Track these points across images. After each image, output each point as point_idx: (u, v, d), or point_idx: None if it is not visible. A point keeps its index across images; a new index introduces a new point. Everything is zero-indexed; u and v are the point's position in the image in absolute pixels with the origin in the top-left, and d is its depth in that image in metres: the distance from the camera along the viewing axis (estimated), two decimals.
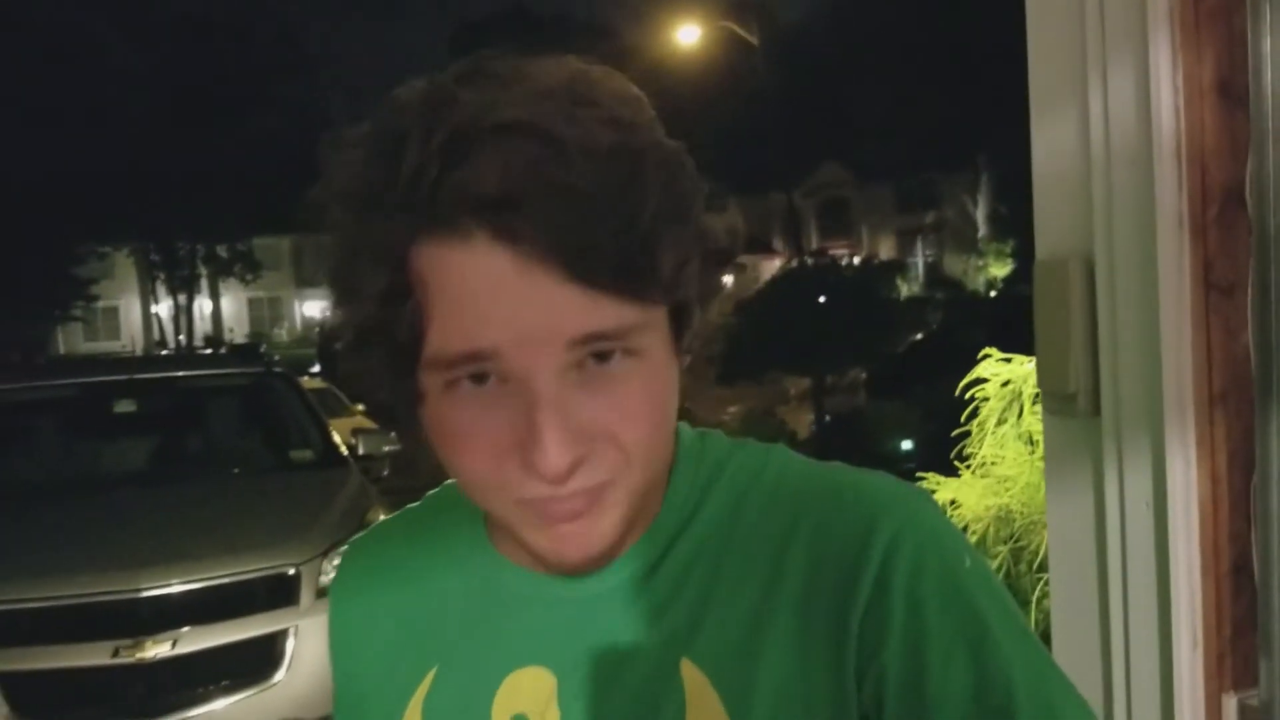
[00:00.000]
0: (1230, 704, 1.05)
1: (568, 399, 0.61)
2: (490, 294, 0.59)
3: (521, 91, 0.60)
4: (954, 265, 30.99)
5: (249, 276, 36.22)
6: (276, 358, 6.27)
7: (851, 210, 39.15)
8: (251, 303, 41.68)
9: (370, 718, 0.78)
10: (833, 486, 0.70)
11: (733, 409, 13.66)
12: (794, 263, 17.78)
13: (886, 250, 36.56)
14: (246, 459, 5.17)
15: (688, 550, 0.71)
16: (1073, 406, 1.12)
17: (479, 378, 0.62)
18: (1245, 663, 1.05)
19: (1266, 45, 0.98)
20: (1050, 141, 1.13)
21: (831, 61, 30.95)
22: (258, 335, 34.55)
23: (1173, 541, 1.04)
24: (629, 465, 0.64)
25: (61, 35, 25.86)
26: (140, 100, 27.39)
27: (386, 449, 5.24)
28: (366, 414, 9.36)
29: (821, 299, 13.72)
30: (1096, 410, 1.10)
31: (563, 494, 0.62)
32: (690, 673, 0.67)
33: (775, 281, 16.72)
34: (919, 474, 2.15)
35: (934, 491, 2.06)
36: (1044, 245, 1.15)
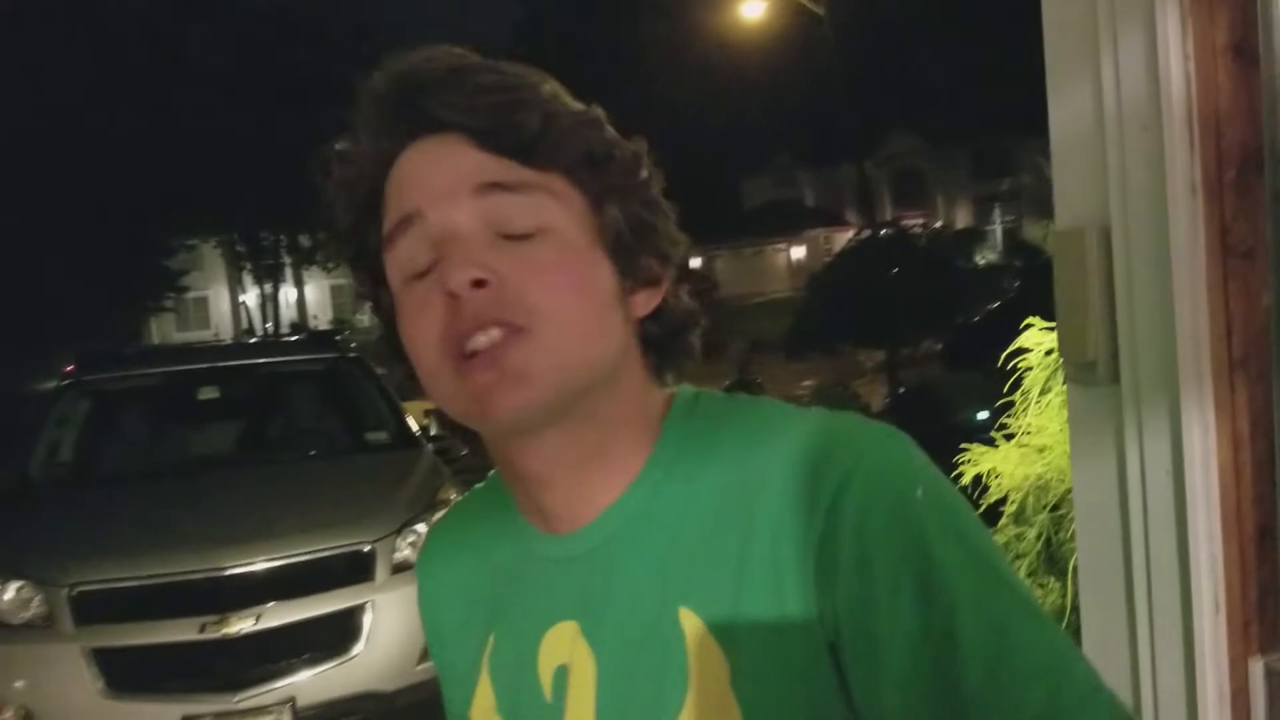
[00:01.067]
0: (1257, 668, 1.06)
1: (482, 252, 0.71)
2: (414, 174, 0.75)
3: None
4: (1032, 231, 30.35)
5: (330, 265, 37.01)
6: (354, 344, 6.41)
7: (925, 178, 38.54)
8: (334, 289, 42.53)
9: (457, 680, 0.86)
10: (801, 431, 0.73)
11: (806, 382, 13.60)
12: (864, 233, 17.53)
13: (962, 218, 35.94)
14: (324, 441, 5.33)
15: (679, 499, 0.75)
16: (1093, 374, 1.13)
17: (421, 275, 0.72)
18: (1273, 627, 1.05)
19: (1278, 6, 0.98)
20: (1066, 112, 1.13)
21: (899, 27, 30.41)
22: (341, 321, 35.25)
23: (1191, 507, 1.04)
24: (542, 313, 0.70)
25: (147, 33, 26.56)
26: (223, 95, 28.04)
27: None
28: None
29: (894, 269, 13.54)
30: (1116, 378, 1.10)
31: (469, 321, 0.70)
32: (689, 620, 0.72)
33: (845, 253, 16.53)
34: (964, 444, 2.16)
35: (973, 462, 2.06)
36: (1063, 215, 1.16)
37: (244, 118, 28.14)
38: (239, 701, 3.63)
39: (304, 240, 35.64)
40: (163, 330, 37.65)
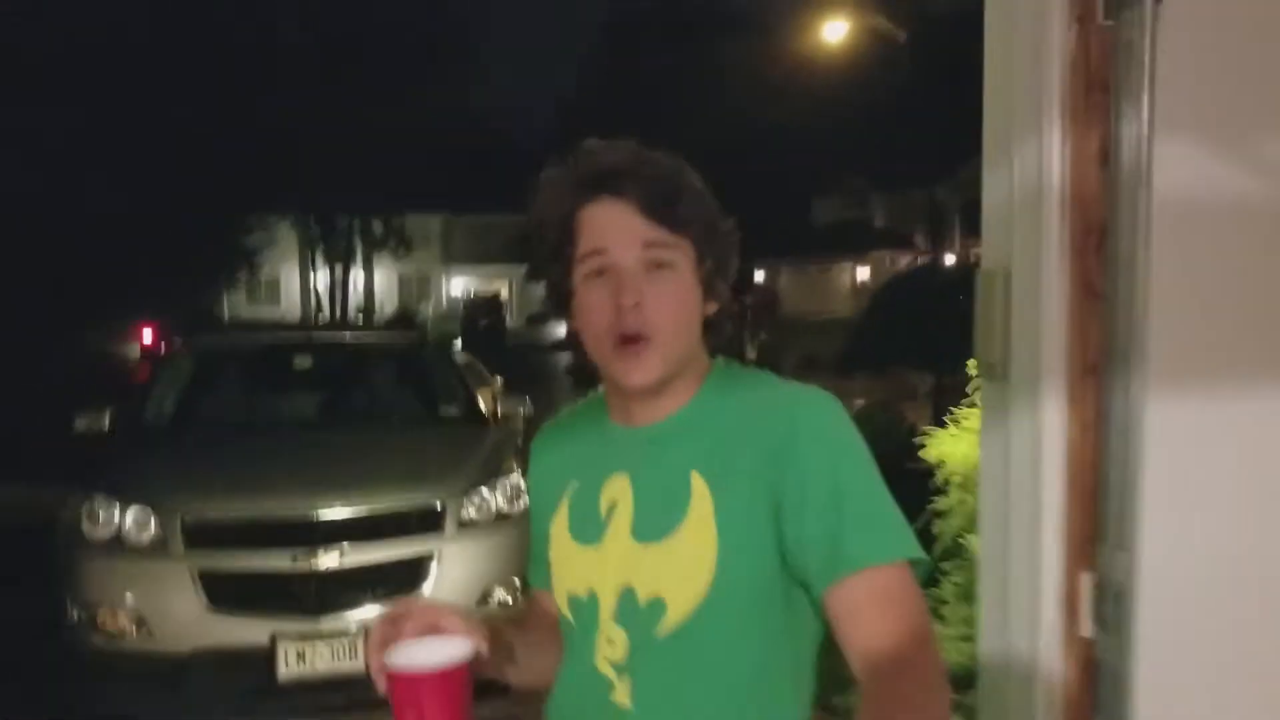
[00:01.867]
0: (1085, 578, 1.53)
1: (636, 277, 1.22)
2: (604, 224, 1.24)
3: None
4: None
5: (400, 252, 37.94)
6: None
7: None
8: (402, 278, 43.54)
9: (545, 512, 1.39)
10: (782, 392, 1.25)
11: (858, 401, 13.93)
12: (924, 258, 17.87)
13: None
14: (402, 412, 5.92)
15: (704, 422, 1.27)
16: (994, 373, 1.61)
17: (597, 271, 1.23)
18: (1095, 551, 1.52)
19: (1125, 129, 1.45)
20: (991, 188, 1.61)
21: (976, 60, 30.52)
22: (406, 310, 36.06)
23: (1048, 468, 1.52)
24: (659, 328, 1.22)
25: (232, 17, 27.38)
26: (306, 78, 28.90)
27: (522, 411, 5.91)
28: (505, 384, 10.10)
29: (948, 295, 13.83)
30: (1008, 376, 1.58)
31: (630, 330, 1.20)
32: (696, 478, 1.23)
33: (903, 276, 16.89)
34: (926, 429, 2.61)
35: (931, 445, 2.54)
36: (985, 259, 1.63)
37: (330, 103, 29.01)
38: (320, 624, 4.20)
39: (376, 226, 36.60)
40: (234, 306, 38.57)
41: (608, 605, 1.28)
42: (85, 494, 4.49)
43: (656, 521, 1.24)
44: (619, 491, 1.28)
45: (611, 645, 1.27)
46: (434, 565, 4.41)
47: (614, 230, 1.23)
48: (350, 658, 4.23)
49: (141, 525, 4.35)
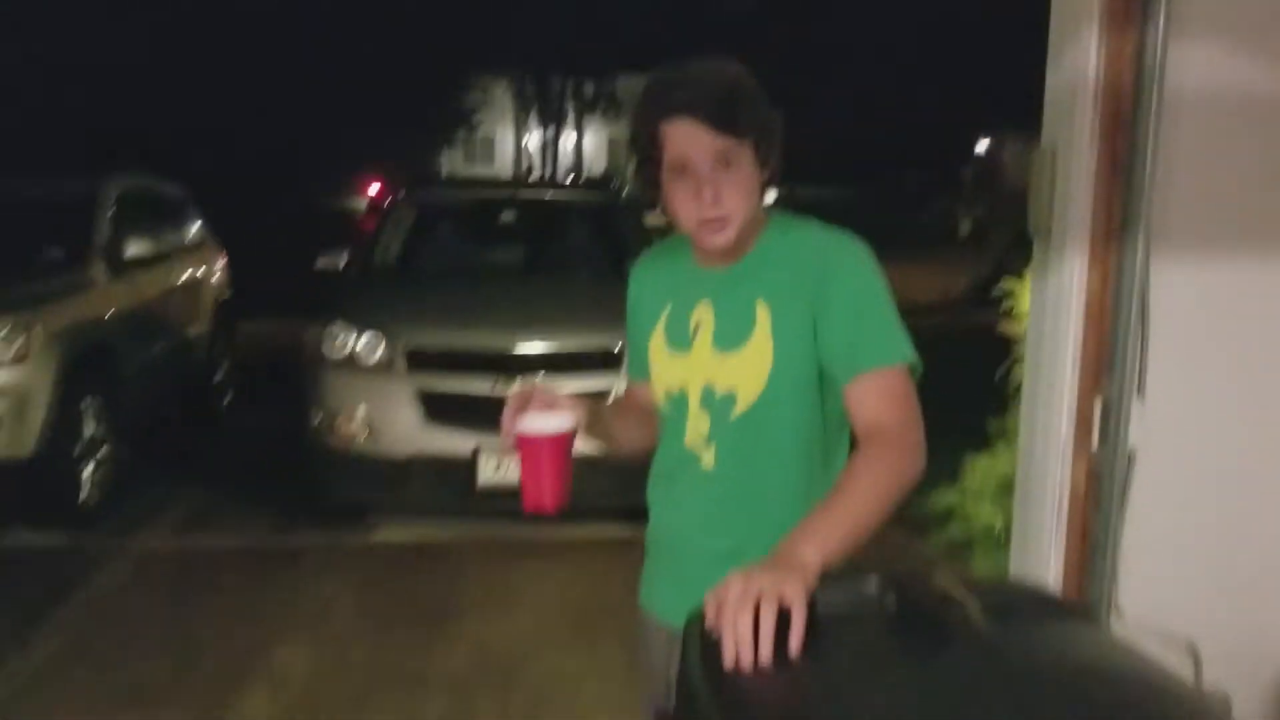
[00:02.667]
0: (1097, 402, 1.90)
1: (712, 177, 1.62)
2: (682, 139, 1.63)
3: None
4: None
5: (610, 114, 38.52)
6: (624, 191, 7.53)
7: None
8: (611, 141, 44.24)
9: (642, 330, 1.86)
10: (820, 236, 1.69)
11: None
12: None
13: None
14: (594, 264, 6.52)
15: (764, 262, 1.71)
16: (1041, 234, 1.95)
17: (683, 172, 1.64)
18: (1105, 377, 1.89)
19: (1149, 33, 1.74)
20: (1050, 80, 1.92)
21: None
22: (614, 170, 36.74)
23: (1071, 313, 1.88)
24: (733, 211, 1.65)
25: None
26: None
27: None
28: None
29: None
30: (1049, 237, 1.92)
31: (710, 216, 1.63)
32: (760, 307, 1.68)
33: None
34: None
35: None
36: (1042, 139, 1.96)
37: None
38: None
39: (588, 89, 37.21)
40: (451, 164, 40.20)
41: (694, 397, 1.76)
42: (326, 322, 5.31)
43: (730, 337, 1.70)
44: (703, 314, 1.74)
45: (698, 426, 1.75)
46: (610, 399, 5.01)
47: (690, 144, 1.62)
48: None
49: (372, 349, 5.14)
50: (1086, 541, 1.93)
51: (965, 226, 18.77)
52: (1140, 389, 1.87)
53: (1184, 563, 2.02)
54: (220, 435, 7.34)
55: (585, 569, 4.90)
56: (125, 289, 6.13)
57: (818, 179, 23.83)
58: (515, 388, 4.69)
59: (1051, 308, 1.95)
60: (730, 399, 1.71)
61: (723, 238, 1.67)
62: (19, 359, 4.96)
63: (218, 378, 7.71)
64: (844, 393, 1.63)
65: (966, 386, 3.85)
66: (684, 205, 1.67)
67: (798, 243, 1.70)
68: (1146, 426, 1.90)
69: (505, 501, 5.01)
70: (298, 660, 3.95)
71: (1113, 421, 1.86)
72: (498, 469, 4.93)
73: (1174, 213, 1.75)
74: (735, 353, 1.71)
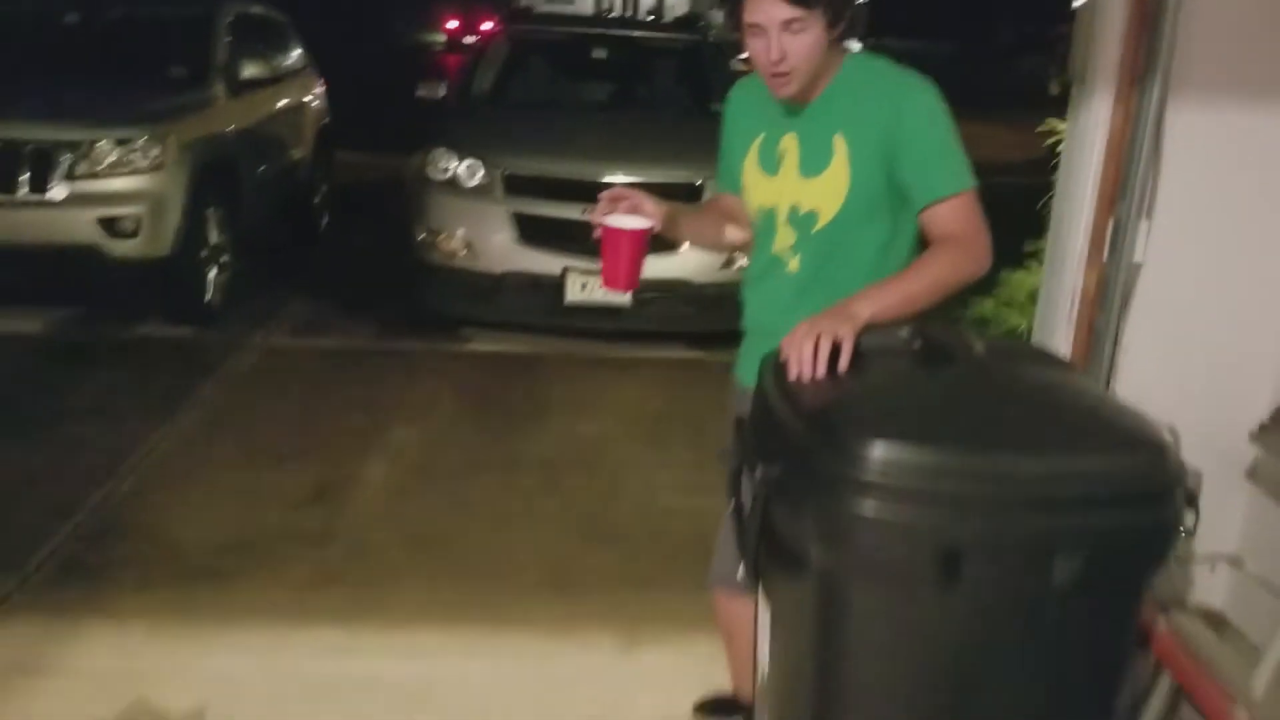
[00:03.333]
0: (1111, 221, 2.28)
1: (781, 38, 1.99)
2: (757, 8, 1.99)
3: None
4: None
5: None
6: (711, 33, 7.76)
7: None
8: None
9: (735, 151, 2.25)
10: (894, 74, 2.04)
11: None
12: None
13: None
14: (678, 103, 6.83)
15: (841, 98, 2.08)
16: (1078, 78, 2.30)
17: (757, 32, 2.01)
18: (1120, 195, 2.26)
19: None
20: None
21: None
22: (695, 14, 36.02)
23: (1094, 146, 2.24)
24: (796, 68, 2.00)
25: None
26: None
27: None
28: None
29: None
30: (1083, 81, 2.27)
31: (776, 71, 2.01)
32: (838, 139, 2.06)
33: None
34: None
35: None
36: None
37: None
38: (599, 263, 5.35)
39: None
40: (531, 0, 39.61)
41: (782, 214, 2.15)
42: (430, 146, 5.75)
43: (812, 165, 2.08)
44: (789, 144, 2.12)
45: (784, 238, 2.16)
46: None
47: (762, 12, 1.93)
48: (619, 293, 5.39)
49: (472, 172, 5.58)
50: (1091, 338, 2.34)
51: (1054, 87, 18.50)
52: (1148, 212, 2.24)
53: (1176, 362, 2.43)
54: (319, 253, 7.90)
55: (659, 382, 5.41)
56: (241, 108, 6.59)
57: (907, 32, 23.36)
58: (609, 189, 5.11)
59: (1080, 142, 2.31)
60: (813, 216, 2.10)
61: (786, 90, 2.01)
62: (156, 167, 5.48)
63: (316, 200, 8.22)
64: (920, 217, 2.02)
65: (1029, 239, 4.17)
66: (757, 57, 2.01)
67: (871, 82, 2.05)
68: (1153, 244, 2.28)
69: (589, 318, 5.51)
70: (409, 439, 4.54)
71: (1121, 238, 2.25)
72: (584, 288, 5.40)
73: (1194, 63, 2.09)
74: (817, 179, 2.08)
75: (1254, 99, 2.19)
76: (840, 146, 2.04)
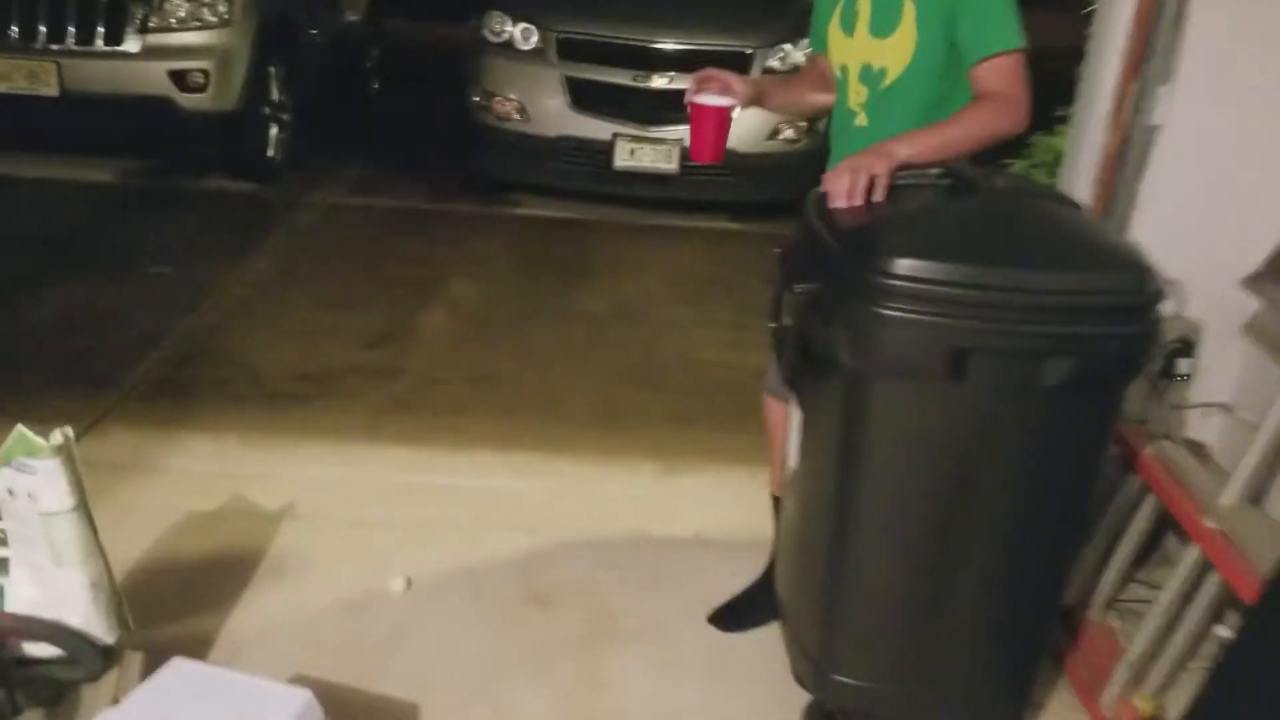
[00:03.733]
0: (1133, 86, 2.48)
1: None
2: None
3: None
4: None
5: None
6: None
7: None
8: None
9: (823, 16, 2.43)
10: None
11: None
12: None
13: None
14: None
15: None
16: None
17: None
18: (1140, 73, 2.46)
19: None
20: None
21: None
22: None
23: (1123, 14, 2.43)
24: None
25: None
26: None
27: None
28: None
29: None
30: None
31: None
32: (908, 3, 2.23)
33: None
34: None
35: None
36: None
37: None
38: (648, 131, 5.55)
39: None
40: None
41: (854, 71, 2.36)
42: (486, 9, 5.90)
43: (882, 27, 2.27)
44: (862, 6, 2.31)
45: (857, 94, 2.37)
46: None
47: None
48: (665, 161, 5.60)
49: (527, 35, 5.75)
50: (1110, 194, 2.56)
51: None
52: (1167, 78, 2.43)
53: (1187, 221, 2.64)
54: (371, 117, 8.09)
55: (702, 249, 5.65)
56: None
57: None
58: (655, 83, 5.31)
59: (1111, 10, 2.49)
60: (881, 73, 2.31)
61: None
62: (224, 23, 5.68)
63: (368, 64, 8.38)
64: (969, 74, 2.21)
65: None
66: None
67: None
68: (1174, 108, 2.48)
69: (636, 184, 5.73)
70: (466, 292, 4.83)
71: (1142, 101, 2.45)
72: (632, 154, 5.61)
73: None
74: (886, 40, 2.28)
75: None
76: (909, 10, 2.24)
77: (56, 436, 2.07)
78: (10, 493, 2.06)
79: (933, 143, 2.13)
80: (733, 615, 2.69)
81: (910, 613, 2.03)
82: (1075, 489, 1.96)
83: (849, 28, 2.34)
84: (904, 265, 1.75)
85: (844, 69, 2.38)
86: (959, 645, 2.04)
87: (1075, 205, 2.11)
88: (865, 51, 2.32)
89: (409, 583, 2.75)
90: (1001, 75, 2.17)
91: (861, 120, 2.37)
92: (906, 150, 2.08)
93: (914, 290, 1.74)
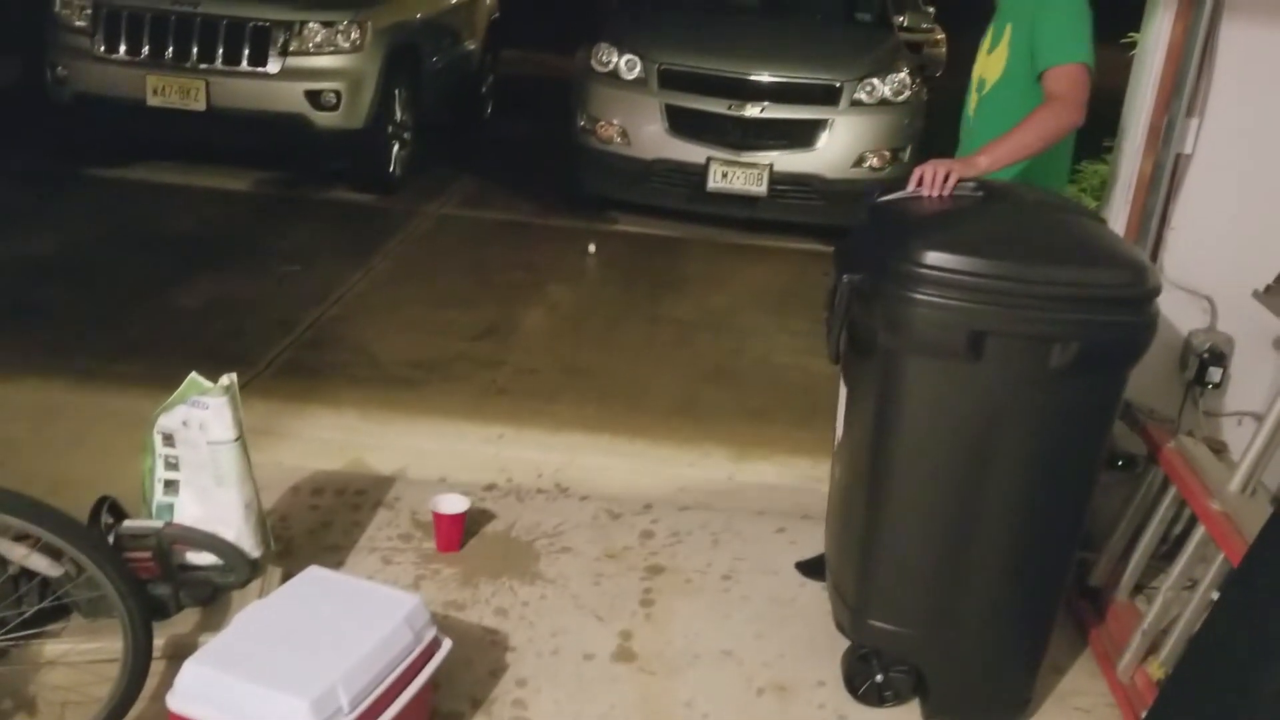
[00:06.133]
0: (1164, 117, 2.76)
1: None
2: None
3: None
4: None
5: None
6: None
7: None
8: None
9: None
10: None
11: None
12: None
13: None
14: (824, 11, 7.25)
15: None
16: None
17: None
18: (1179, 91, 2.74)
19: None
20: None
21: None
22: None
23: (1155, 54, 2.72)
24: None
25: None
26: None
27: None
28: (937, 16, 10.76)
29: None
30: None
31: None
32: (1008, 27, 2.70)
33: None
34: None
35: None
36: None
37: None
38: (740, 156, 5.92)
39: None
40: None
41: (974, 83, 2.83)
42: (594, 42, 6.35)
43: (991, 47, 2.72)
44: (990, 31, 2.75)
45: (971, 101, 2.84)
46: (825, 130, 5.94)
47: None
48: (755, 184, 5.95)
49: (631, 66, 6.17)
50: (1142, 216, 2.84)
51: None
52: (1195, 111, 2.71)
53: (1216, 241, 2.90)
54: (482, 139, 8.62)
55: (786, 267, 5.98)
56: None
57: None
58: (749, 112, 5.69)
59: (1147, 50, 2.78)
60: (984, 82, 2.78)
61: None
62: (356, 48, 6.24)
63: (483, 89, 8.92)
64: (1041, 79, 2.57)
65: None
66: None
67: None
68: (1202, 139, 2.76)
69: (728, 205, 6.10)
70: (564, 296, 5.25)
71: (1171, 132, 2.73)
72: (724, 177, 5.98)
73: None
74: (989, 55, 2.74)
75: None
76: (1007, 32, 2.67)
77: (225, 379, 2.51)
78: (185, 424, 2.50)
79: (1008, 148, 2.50)
80: (814, 567, 3.02)
81: (936, 564, 2.34)
82: (1082, 461, 2.24)
83: (983, 48, 2.81)
84: (932, 257, 2.08)
85: (970, 83, 2.86)
86: (980, 594, 2.33)
87: (1093, 216, 2.41)
88: (980, 67, 2.80)
89: None
90: (1061, 81, 2.54)
91: (972, 124, 2.83)
92: (986, 161, 2.45)
93: (940, 278, 2.07)
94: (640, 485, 3.50)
